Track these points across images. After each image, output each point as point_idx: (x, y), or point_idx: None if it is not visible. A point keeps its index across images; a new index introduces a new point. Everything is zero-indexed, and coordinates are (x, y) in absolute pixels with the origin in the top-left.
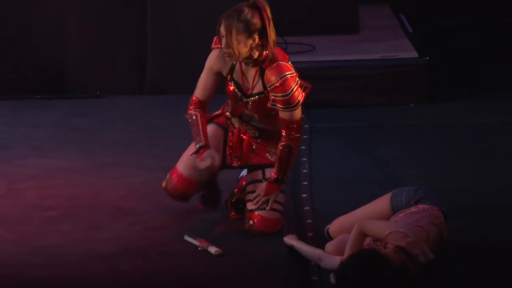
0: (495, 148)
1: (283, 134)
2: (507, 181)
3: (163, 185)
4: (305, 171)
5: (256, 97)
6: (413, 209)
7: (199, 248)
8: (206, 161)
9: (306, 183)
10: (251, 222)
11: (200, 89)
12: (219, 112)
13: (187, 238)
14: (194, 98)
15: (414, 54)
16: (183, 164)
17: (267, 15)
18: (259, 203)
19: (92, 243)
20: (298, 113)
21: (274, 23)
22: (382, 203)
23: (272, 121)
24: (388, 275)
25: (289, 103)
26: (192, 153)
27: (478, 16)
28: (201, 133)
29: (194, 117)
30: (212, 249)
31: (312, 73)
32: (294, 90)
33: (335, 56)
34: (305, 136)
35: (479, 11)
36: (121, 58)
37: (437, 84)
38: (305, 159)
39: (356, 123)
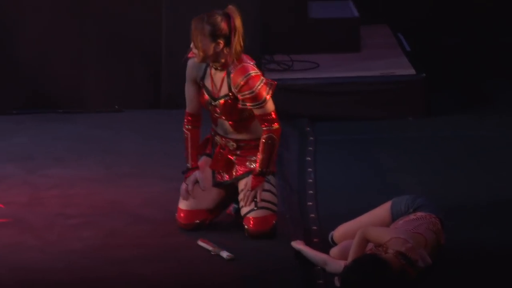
0: (490, 158)
1: (263, 128)
2: (500, 190)
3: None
4: (311, 180)
5: (222, 99)
6: (412, 216)
7: (212, 253)
8: (190, 184)
9: (311, 192)
10: (246, 227)
11: (188, 101)
12: (207, 136)
13: (200, 243)
14: (186, 112)
15: (411, 71)
16: (182, 201)
17: (234, 24)
18: (248, 199)
19: (111, 249)
20: (269, 106)
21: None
22: (383, 210)
23: (244, 128)
24: (389, 278)
25: (256, 100)
26: (182, 172)
27: (474, 35)
28: (189, 155)
29: (185, 136)
30: (224, 254)
31: (316, 88)
32: (260, 87)
33: (338, 73)
34: (310, 148)
35: (474, 31)
36: (138, 74)
37: (434, 99)
38: (310, 169)
39: (358, 136)
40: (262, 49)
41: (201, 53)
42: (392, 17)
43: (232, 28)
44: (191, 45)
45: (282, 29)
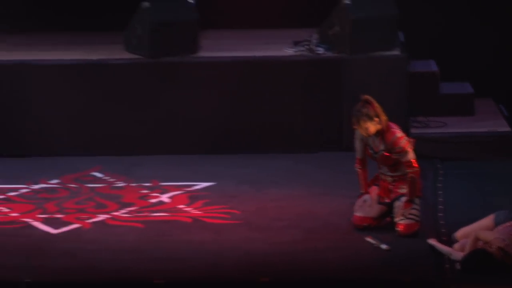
0: None
1: (407, 171)
2: None
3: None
4: (441, 199)
5: (380, 153)
6: (508, 223)
7: (375, 246)
8: (361, 202)
9: (441, 207)
10: (397, 229)
11: (357, 152)
12: (376, 174)
13: (367, 239)
14: (356, 158)
15: (508, 129)
16: (356, 209)
17: (375, 105)
18: (399, 213)
19: (309, 242)
20: (411, 156)
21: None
22: (489, 220)
23: (396, 170)
24: (493, 264)
25: (402, 152)
26: (358, 195)
27: None
28: (362, 185)
29: (357, 171)
30: (383, 246)
31: (445, 139)
32: (403, 143)
33: (460, 129)
34: (440, 178)
35: None
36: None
37: None
38: (440, 192)
39: (475, 171)
40: (408, 113)
41: (369, 132)
42: (495, 92)
43: (376, 108)
44: (361, 132)
45: (421, 100)
